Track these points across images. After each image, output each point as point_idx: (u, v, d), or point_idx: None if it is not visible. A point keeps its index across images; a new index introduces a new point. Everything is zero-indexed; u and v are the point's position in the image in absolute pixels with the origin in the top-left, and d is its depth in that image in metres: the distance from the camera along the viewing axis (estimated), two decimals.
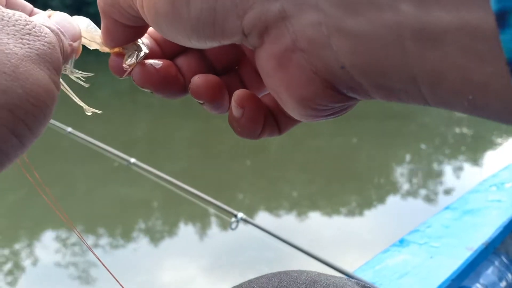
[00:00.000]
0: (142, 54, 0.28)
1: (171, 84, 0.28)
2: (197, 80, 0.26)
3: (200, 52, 0.29)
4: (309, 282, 0.40)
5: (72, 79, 0.32)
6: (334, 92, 0.20)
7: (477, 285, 1.24)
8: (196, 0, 0.20)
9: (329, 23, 0.18)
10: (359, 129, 5.96)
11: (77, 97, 0.33)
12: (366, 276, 1.10)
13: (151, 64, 0.27)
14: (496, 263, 1.34)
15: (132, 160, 1.65)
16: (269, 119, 0.27)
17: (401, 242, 1.28)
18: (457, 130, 6.33)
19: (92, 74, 0.32)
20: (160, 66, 0.27)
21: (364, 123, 6.33)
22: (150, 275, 2.56)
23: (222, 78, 0.28)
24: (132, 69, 0.28)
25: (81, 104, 0.33)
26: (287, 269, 0.44)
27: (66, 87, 0.30)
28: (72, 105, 0.35)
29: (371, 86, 0.19)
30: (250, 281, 0.43)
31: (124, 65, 0.28)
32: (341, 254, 2.74)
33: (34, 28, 0.22)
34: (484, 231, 1.32)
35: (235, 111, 0.26)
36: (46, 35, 0.23)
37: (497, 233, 1.30)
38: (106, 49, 0.30)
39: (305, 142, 5.21)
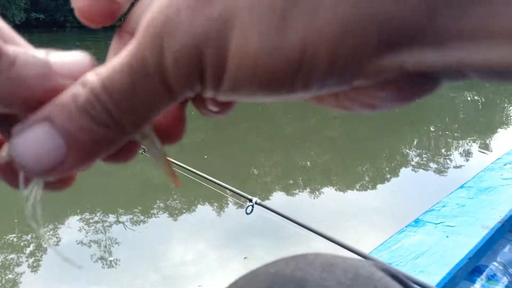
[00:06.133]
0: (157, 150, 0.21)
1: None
2: None
3: None
4: (326, 265, 0.40)
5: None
6: None
7: (495, 263, 1.23)
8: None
9: None
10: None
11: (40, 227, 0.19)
12: (382, 257, 1.10)
13: None
14: None
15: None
16: None
17: (417, 222, 1.28)
18: (471, 110, 6.26)
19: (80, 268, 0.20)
20: None
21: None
22: (164, 259, 2.59)
23: None
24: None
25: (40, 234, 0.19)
26: (303, 251, 0.44)
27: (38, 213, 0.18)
28: None
29: None
30: (266, 265, 0.43)
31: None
32: (357, 235, 2.74)
33: None
34: (500, 209, 1.31)
35: None
36: None
37: None
38: None
39: (319, 130, 5.18)
